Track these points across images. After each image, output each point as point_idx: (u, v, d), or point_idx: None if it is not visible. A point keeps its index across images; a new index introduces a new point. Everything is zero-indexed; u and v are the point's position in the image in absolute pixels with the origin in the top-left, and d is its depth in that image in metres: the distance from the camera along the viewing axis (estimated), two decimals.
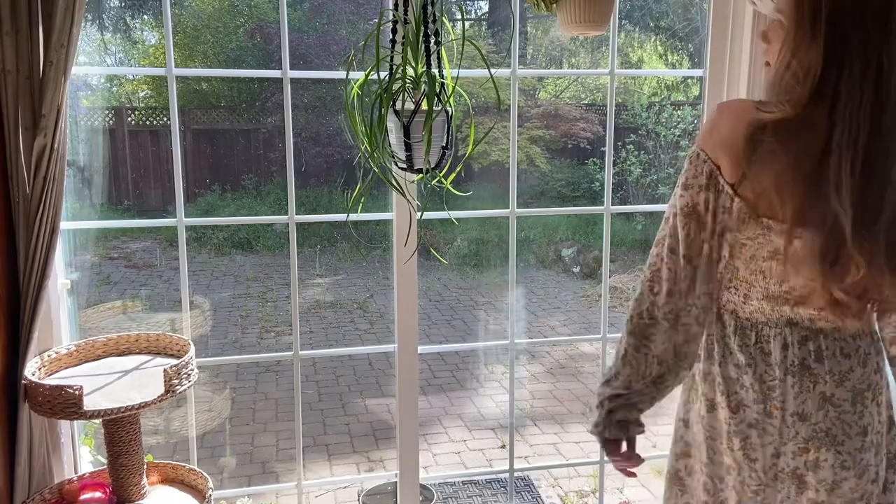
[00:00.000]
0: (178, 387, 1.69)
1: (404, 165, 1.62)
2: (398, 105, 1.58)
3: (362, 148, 1.61)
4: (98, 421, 1.68)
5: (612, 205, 2.30)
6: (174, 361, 1.77)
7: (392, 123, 1.58)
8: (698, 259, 1.24)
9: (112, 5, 9.26)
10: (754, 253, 1.21)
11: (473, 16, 10.75)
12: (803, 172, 1.12)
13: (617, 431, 1.34)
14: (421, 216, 1.81)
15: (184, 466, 1.94)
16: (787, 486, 1.25)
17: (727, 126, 1.20)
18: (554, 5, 1.82)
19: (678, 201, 1.25)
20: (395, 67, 1.58)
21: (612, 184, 3.68)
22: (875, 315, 1.26)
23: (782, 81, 1.14)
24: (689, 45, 9.82)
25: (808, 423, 1.22)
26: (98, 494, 1.77)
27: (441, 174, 1.67)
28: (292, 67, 2.78)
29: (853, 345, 1.24)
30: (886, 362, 1.28)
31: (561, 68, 11.06)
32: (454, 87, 1.64)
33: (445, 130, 1.60)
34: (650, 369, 1.31)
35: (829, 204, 1.11)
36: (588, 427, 1.39)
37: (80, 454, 1.96)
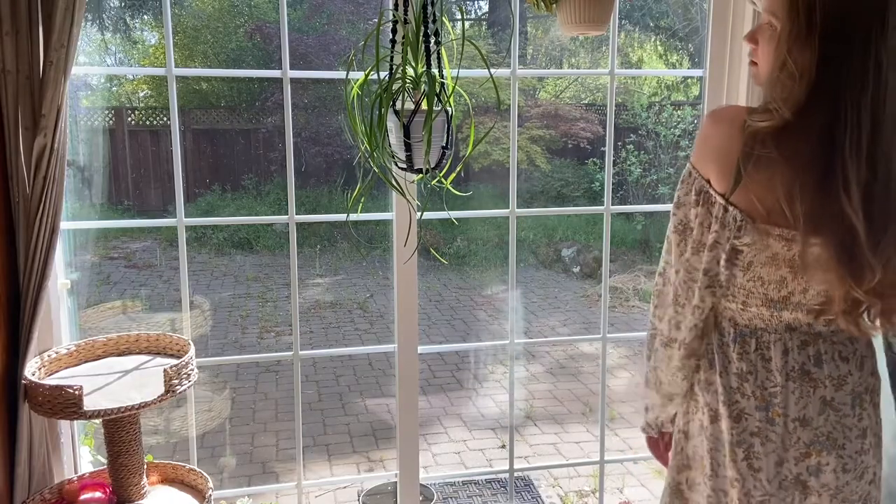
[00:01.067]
0: (178, 387, 1.69)
1: (404, 165, 1.62)
2: (398, 105, 1.58)
3: (362, 148, 1.61)
4: (98, 421, 1.68)
5: (612, 205, 2.30)
6: (174, 361, 1.77)
7: (392, 123, 1.58)
8: (695, 272, 1.24)
9: (112, 5, 9.26)
10: (752, 259, 1.20)
11: (473, 16, 10.75)
12: (812, 178, 1.11)
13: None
14: (421, 216, 1.81)
15: (184, 466, 1.94)
16: (791, 493, 1.24)
17: (718, 136, 1.20)
18: (554, 5, 1.82)
19: (671, 221, 1.27)
20: (395, 67, 1.58)
21: (612, 184, 3.68)
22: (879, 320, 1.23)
23: (778, 81, 1.13)
24: (689, 45, 9.82)
25: (810, 428, 1.22)
26: (98, 494, 1.77)
27: (441, 174, 1.67)
28: (292, 67, 2.78)
29: (851, 348, 1.24)
30: (882, 363, 1.28)
31: (561, 68, 11.06)
32: (454, 87, 1.64)
33: (445, 130, 1.60)
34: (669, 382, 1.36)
35: (842, 208, 1.09)
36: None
37: (80, 454, 1.96)
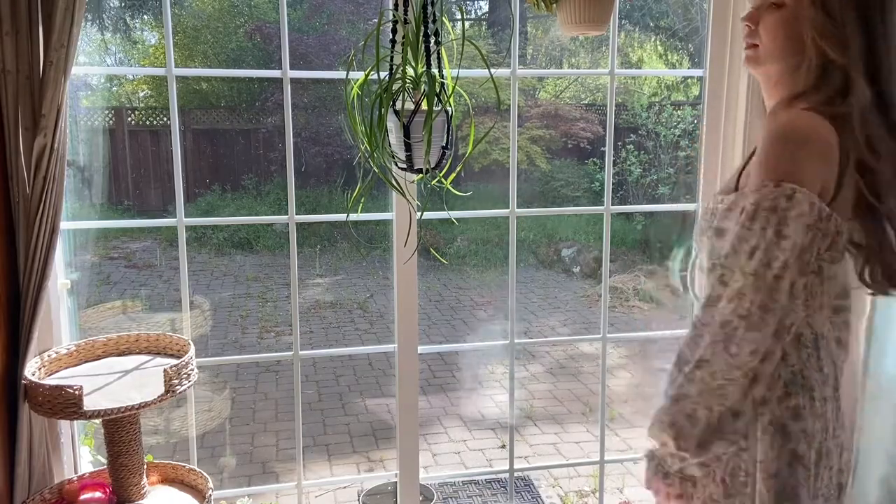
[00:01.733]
0: (178, 387, 1.69)
1: (404, 165, 1.62)
2: (398, 105, 1.58)
3: (362, 148, 1.61)
4: (98, 421, 1.68)
5: (612, 205, 2.30)
6: (174, 361, 1.77)
7: (392, 123, 1.58)
8: (788, 292, 1.07)
9: (112, 5, 9.26)
10: (846, 267, 1.16)
11: (473, 16, 10.75)
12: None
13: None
14: (421, 216, 1.81)
15: (184, 466, 1.94)
16: (832, 496, 1.23)
17: (822, 146, 1.10)
18: (554, 5, 1.82)
19: (777, 255, 1.05)
20: (395, 67, 1.58)
21: (612, 184, 3.68)
22: None
23: (826, 73, 1.13)
24: (689, 45, 9.82)
25: (842, 427, 1.23)
26: (98, 494, 1.77)
27: (441, 174, 1.67)
28: (292, 67, 2.78)
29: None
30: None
31: (561, 68, 11.06)
32: (454, 87, 1.64)
33: (445, 130, 1.60)
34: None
35: None
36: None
37: (80, 454, 1.96)
